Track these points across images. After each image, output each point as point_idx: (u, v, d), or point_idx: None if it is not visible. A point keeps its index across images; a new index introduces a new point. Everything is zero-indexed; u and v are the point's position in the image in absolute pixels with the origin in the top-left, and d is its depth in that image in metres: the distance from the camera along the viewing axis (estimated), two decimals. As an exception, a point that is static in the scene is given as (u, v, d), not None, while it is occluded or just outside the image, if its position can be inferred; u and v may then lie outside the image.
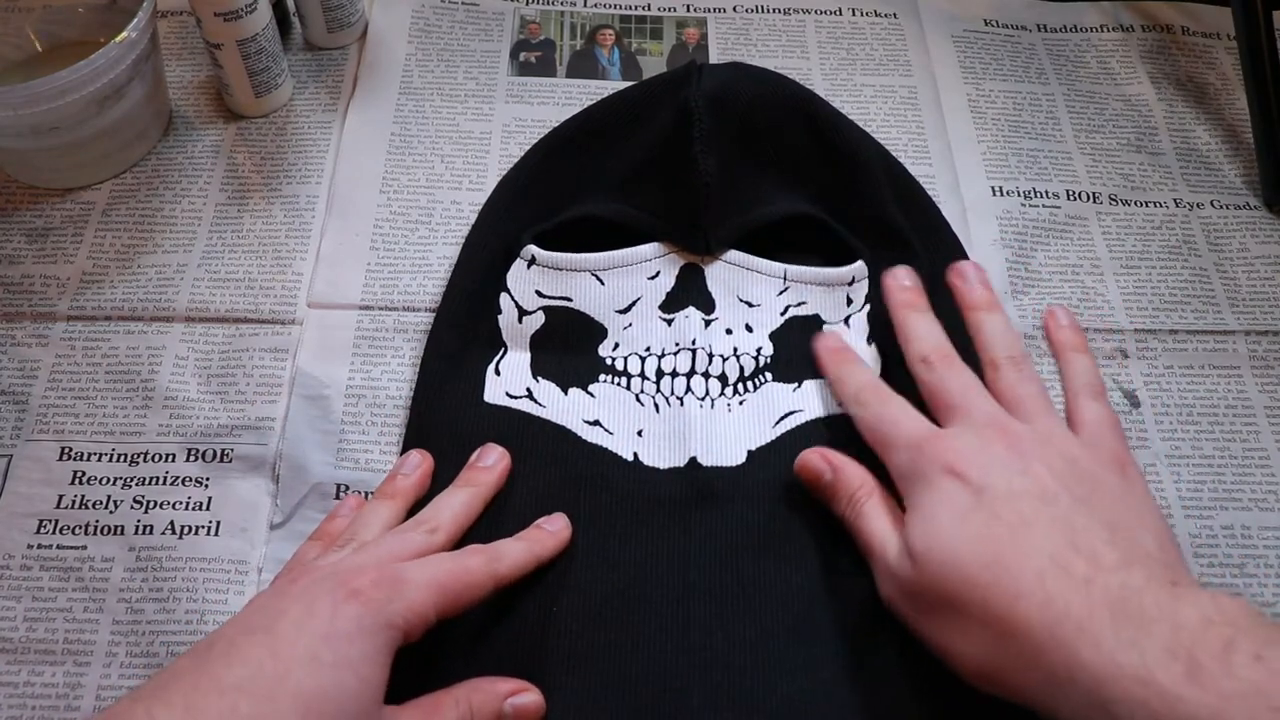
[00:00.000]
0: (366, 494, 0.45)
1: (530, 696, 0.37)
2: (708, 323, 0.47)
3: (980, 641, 0.34)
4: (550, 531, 0.42)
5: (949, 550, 0.35)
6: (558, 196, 0.51)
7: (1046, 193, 0.58)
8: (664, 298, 0.48)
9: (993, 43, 0.66)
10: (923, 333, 0.44)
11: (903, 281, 0.46)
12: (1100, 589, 0.32)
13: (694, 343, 0.47)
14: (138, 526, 0.44)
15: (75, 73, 0.48)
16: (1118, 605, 0.32)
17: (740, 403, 0.46)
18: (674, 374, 0.46)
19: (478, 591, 0.37)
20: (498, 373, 0.47)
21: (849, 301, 0.49)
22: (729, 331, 0.47)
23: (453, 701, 0.36)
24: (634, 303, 0.48)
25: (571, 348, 0.48)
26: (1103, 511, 0.35)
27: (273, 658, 0.32)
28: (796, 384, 0.47)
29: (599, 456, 0.45)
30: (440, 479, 0.44)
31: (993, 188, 0.58)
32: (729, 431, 0.45)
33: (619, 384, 0.47)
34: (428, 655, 0.38)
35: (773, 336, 0.48)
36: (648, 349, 0.47)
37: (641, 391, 0.46)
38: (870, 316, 0.48)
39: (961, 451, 0.38)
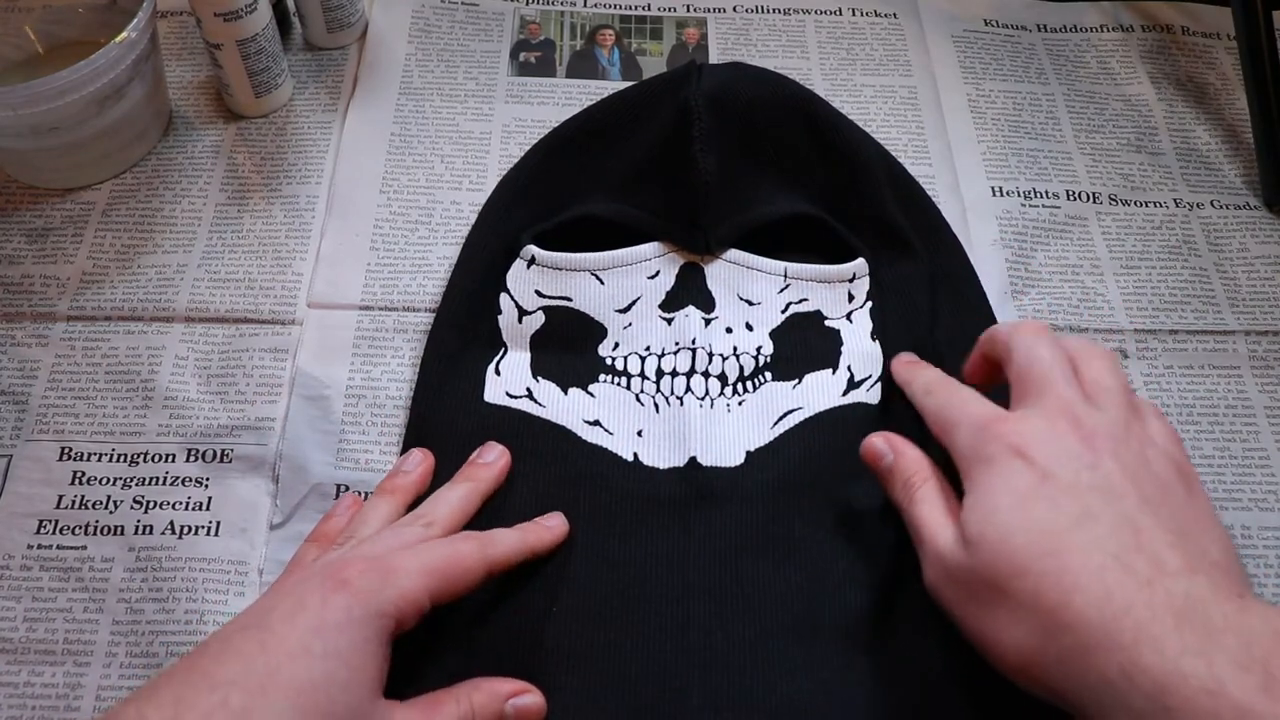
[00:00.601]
0: (366, 494, 0.45)
1: (532, 698, 0.37)
2: (708, 321, 0.47)
3: (1028, 633, 0.32)
4: (546, 526, 0.42)
5: (1005, 534, 0.34)
6: (558, 196, 0.51)
7: (1046, 193, 0.58)
8: (664, 297, 0.48)
9: (993, 43, 0.66)
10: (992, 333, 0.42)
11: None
12: (1163, 592, 0.31)
13: (694, 342, 0.47)
14: (138, 527, 0.44)
15: (75, 73, 0.48)
16: (1182, 611, 0.30)
17: (740, 403, 0.46)
18: (674, 373, 0.46)
19: (470, 576, 0.37)
20: (498, 373, 0.47)
21: (850, 298, 0.49)
22: (729, 330, 0.47)
23: (454, 700, 0.36)
24: (634, 302, 0.48)
25: (571, 347, 0.48)
26: (1169, 517, 0.34)
27: (263, 652, 0.32)
28: (797, 380, 0.47)
29: (599, 456, 0.45)
30: (440, 478, 0.44)
31: (993, 188, 0.58)
32: (728, 432, 0.45)
33: (619, 384, 0.47)
34: (426, 654, 0.38)
35: (773, 334, 0.48)
36: (647, 348, 0.47)
37: (641, 391, 0.46)
38: (873, 313, 0.48)
39: (1029, 435, 0.36)
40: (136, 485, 0.45)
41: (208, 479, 0.46)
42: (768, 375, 0.47)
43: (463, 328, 0.49)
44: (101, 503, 0.45)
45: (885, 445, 0.41)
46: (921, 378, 0.43)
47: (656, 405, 0.46)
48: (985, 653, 0.34)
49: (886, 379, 0.47)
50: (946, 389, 0.41)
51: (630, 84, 0.55)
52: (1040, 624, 0.32)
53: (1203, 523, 0.35)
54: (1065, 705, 0.32)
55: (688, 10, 0.67)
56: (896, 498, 0.40)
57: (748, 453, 0.45)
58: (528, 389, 0.46)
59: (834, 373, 0.47)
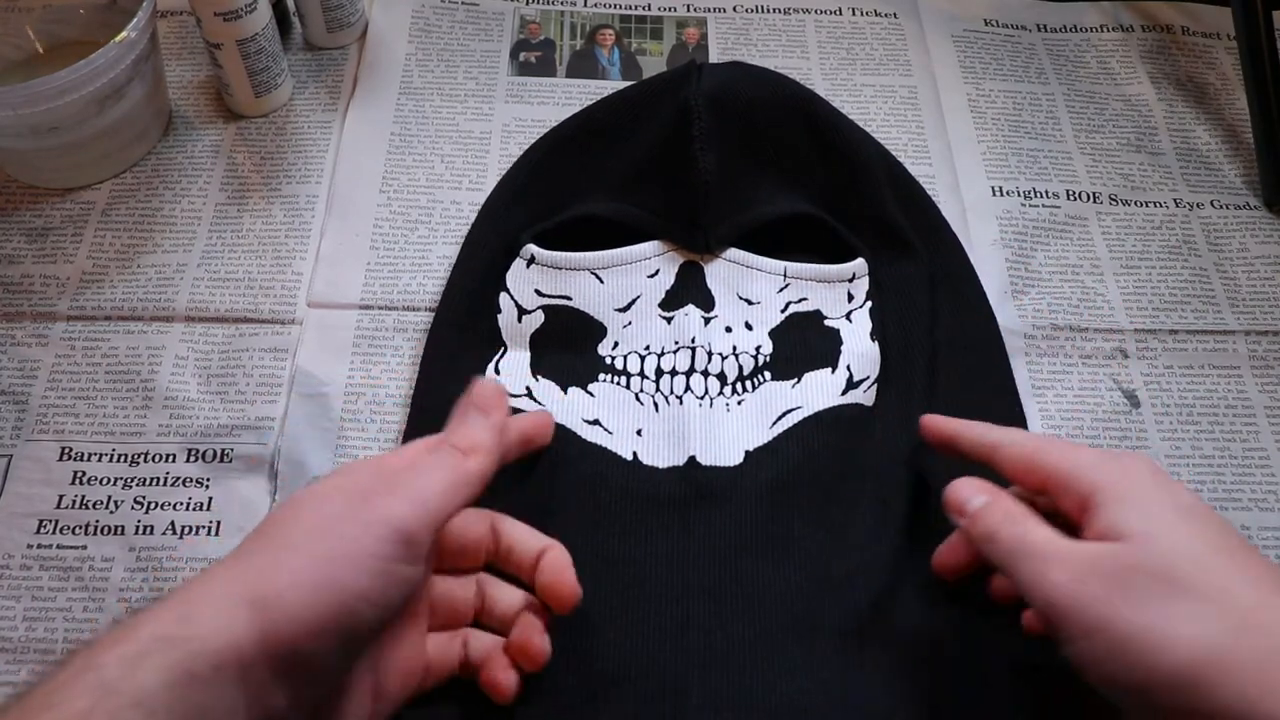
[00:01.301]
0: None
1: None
2: (707, 320, 0.47)
3: (1216, 630, 0.30)
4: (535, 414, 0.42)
5: (1171, 528, 0.32)
6: (558, 196, 0.51)
7: (1046, 193, 0.58)
8: (663, 296, 0.48)
9: (993, 43, 0.66)
10: None
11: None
12: None
13: (693, 341, 0.47)
14: (138, 527, 0.44)
15: (75, 73, 0.48)
16: None
17: (739, 402, 0.46)
18: (673, 373, 0.46)
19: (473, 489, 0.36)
20: (497, 372, 0.47)
21: (850, 298, 0.49)
22: (728, 329, 0.47)
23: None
24: (633, 301, 0.48)
25: (571, 346, 0.48)
26: None
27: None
28: (796, 379, 0.47)
29: (598, 455, 0.44)
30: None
31: (993, 188, 0.58)
32: (727, 431, 0.45)
33: (618, 383, 0.47)
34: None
35: (773, 334, 0.48)
36: (647, 347, 0.47)
37: (641, 390, 0.46)
38: (872, 313, 0.48)
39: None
40: (137, 485, 0.45)
41: (208, 479, 0.46)
42: (767, 375, 0.47)
43: (462, 326, 0.49)
44: (102, 503, 0.45)
45: (972, 489, 0.37)
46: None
47: (656, 404, 0.46)
48: (1142, 655, 0.31)
49: (884, 380, 0.47)
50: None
51: (630, 84, 0.55)
52: (1231, 623, 0.30)
53: None
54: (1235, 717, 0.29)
55: (688, 10, 0.67)
56: (991, 527, 0.36)
57: (747, 452, 0.45)
58: (527, 388, 0.46)
59: (833, 372, 0.47)
